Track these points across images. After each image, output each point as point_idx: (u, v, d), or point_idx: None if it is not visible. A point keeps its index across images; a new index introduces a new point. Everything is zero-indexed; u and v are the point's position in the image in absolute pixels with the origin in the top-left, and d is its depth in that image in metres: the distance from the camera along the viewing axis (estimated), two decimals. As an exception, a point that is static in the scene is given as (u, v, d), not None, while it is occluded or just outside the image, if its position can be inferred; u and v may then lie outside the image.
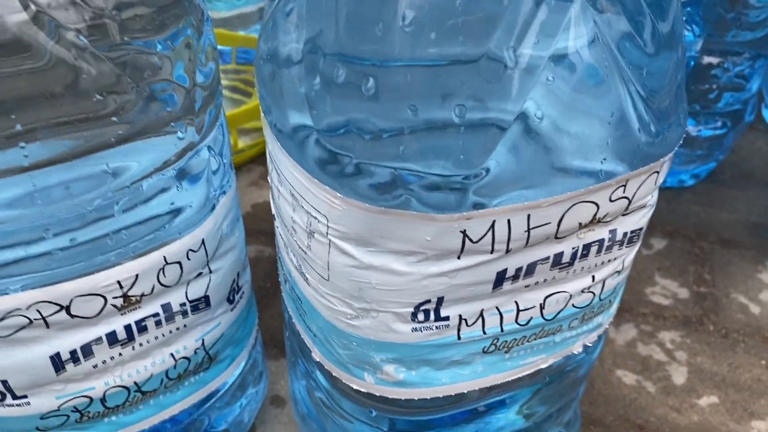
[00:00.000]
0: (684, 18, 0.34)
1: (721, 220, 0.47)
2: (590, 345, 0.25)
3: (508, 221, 0.19)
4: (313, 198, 0.19)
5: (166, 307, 0.24)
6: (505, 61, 0.16)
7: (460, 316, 0.21)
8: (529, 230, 0.19)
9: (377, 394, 0.23)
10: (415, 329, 0.21)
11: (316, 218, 0.20)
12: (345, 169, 0.18)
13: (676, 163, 0.48)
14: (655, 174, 0.20)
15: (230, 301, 0.27)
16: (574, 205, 0.19)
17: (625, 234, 0.22)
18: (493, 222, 0.19)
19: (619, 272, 0.23)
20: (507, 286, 0.21)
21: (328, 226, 0.19)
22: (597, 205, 0.20)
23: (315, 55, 0.18)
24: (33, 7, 0.17)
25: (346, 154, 0.18)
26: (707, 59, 0.43)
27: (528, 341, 0.23)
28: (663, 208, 0.48)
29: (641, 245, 0.44)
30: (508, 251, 0.19)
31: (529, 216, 0.19)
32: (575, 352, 0.25)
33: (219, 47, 0.58)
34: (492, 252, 0.19)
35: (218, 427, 0.31)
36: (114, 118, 0.19)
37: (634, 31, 0.17)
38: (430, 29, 0.16)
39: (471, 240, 0.19)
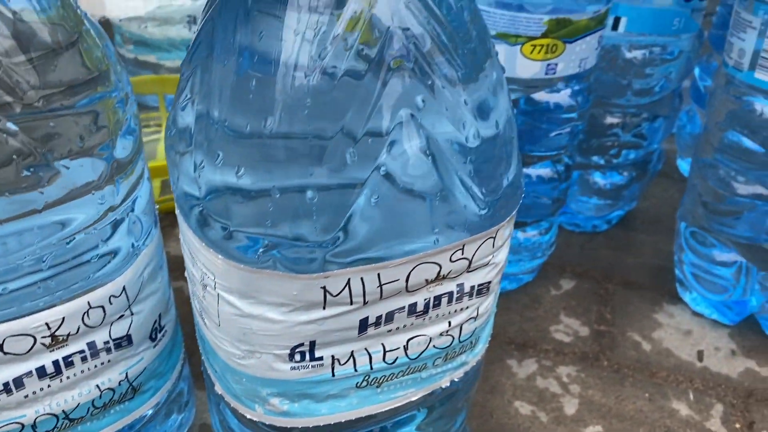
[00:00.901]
0: (570, 92, 0.39)
1: (627, 263, 0.52)
2: (457, 380, 0.29)
3: (362, 279, 0.23)
4: (202, 257, 0.23)
5: (91, 345, 0.28)
6: (346, 156, 0.21)
7: (332, 356, 0.25)
8: (381, 286, 0.23)
9: (267, 423, 0.27)
10: (294, 368, 0.25)
11: (206, 274, 0.24)
12: (223, 235, 0.22)
13: (587, 211, 0.52)
14: (491, 239, 0.25)
15: (152, 339, 0.31)
16: (418, 265, 0.23)
17: (472, 287, 0.26)
18: (349, 279, 0.23)
19: (474, 318, 0.27)
20: (371, 330, 0.25)
21: (215, 281, 0.24)
22: (439, 265, 0.24)
23: (200, 142, 0.22)
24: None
25: (224, 223, 0.22)
26: (609, 119, 0.48)
27: (396, 377, 0.27)
28: (575, 251, 0.53)
29: (551, 285, 0.49)
30: (365, 303, 0.24)
31: (379, 274, 0.23)
32: (443, 387, 0.29)
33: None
34: (351, 304, 0.23)
35: (146, 451, 0.34)
36: (41, 190, 0.23)
37: (457, 131, 0.22)
38: (289, 121, 0.20)
39: (331, 294, 0.23)
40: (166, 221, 0.44)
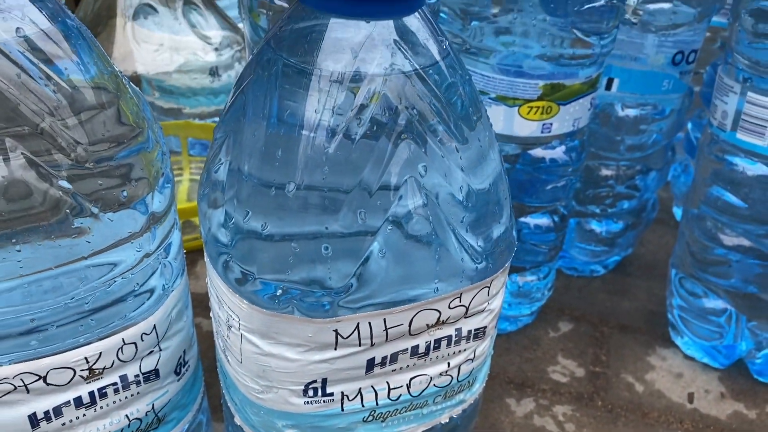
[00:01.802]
0: (565, 149, 0.42)
1: (622, 307, 0.54)
2: (456, 417, 0.31)
3: (370, 323, 0.26)
4: (228, 300, 0.26)
5: (123, 378, 0.31)
6: (355, 219, 0.24)
7: (342, 392, 0.28)
8: (386, 329, 0.26)
9: (282, 452, 0.29)
10: (307, 402, 0.28)
11: (231, 316, 0.27)
12: (248, 282, 0.25)
13: (584, 256, 0.55)
14: (486, 288, 0.27)
15: (177, 373, 0.34)
16: (419, 311, 0.26)
17: (469, 331, 0.29)
18: (358, 324, 0.26)
19: (471, 360, 0.30)
20: (377, 370, 0.28)
21: (239, 323, 0.26)
22: (439, 311, 0.27)
23: (231, 200, 0.25)
24: (32, 160, 0.25)
25: (249, 271, 0.25)
26: (603, 171, 0.51)
27: (400, 413, 0.29)
28: (573, 295, 0.55)
29: (550, 328, 0.51)
30: (372, 345, 0.26)
31: (385, 319, 0.26)
32: (443, 422, 0.31)
33: (199, 140, 0.67)
34: (360, 345, 0.26)
35: (166, 479, 0.37)
36: (87, 239, 0.27)
37: (454, 194, 0.25)
38: (308, 188, 0.24)
39: (342, 336, 0.26)
40: (187, 260, 0.47)
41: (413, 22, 0.24)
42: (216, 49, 0.60)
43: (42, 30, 0.26)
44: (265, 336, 0.26)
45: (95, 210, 0.27)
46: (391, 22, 0.24)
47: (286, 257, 0.24)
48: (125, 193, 0.28)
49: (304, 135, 0.24)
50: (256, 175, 0.25)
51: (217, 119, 0.66)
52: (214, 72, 0.62)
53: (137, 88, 0.31)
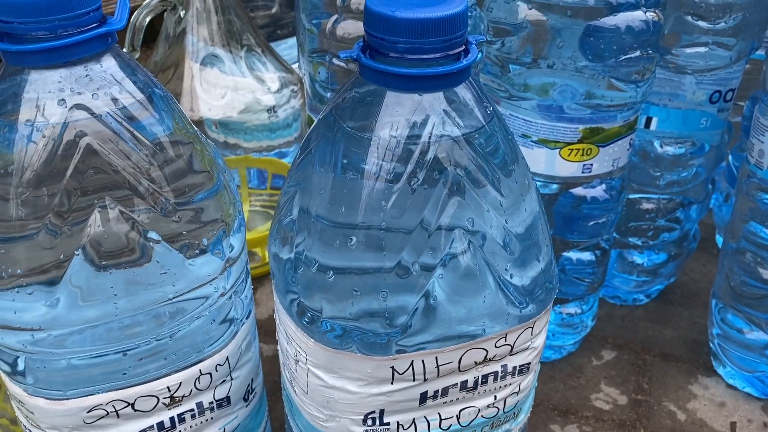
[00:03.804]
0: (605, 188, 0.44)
1: (665, 336, 0.56)
2: (502, 444, 0.34)
3: (423, 361, 0.29)
4: (297, 338, 0.30)
5: (199, 405, 0.34)
6: (410, 267, 0.27)
7: (398, 422, 0.31)
8: (438, 366, 0.29)
9: (342, 475, 0.32)
10: (366, 430, 0.31)
11: (299, 351, 0.30)
12: (316, 324, 0.28)
13: (627, 286, 0.57)
14: (530, 329, 0.30)
15: (245, 399, 0.37)
16: (468, 350, 0.29)
17: (514, 368, 0.31)
18: (412, 361, 0.28)
19: (517, 393, 0.32)
20: (430, 402, 0.30)
21: (306, 358, 0.30)
22: (486, 350, 0.29)
23: (300, 257, 0.28)
24: (126, 214, 0.28)
25: (318, 314, 0.28)
26: (644, 205, 0.52)
27: (450, 441, 0.32)
28: (617, 323, 0.57)
29: (593, 356, 0.53)
30: (425, 380, 0.29)
31: (436, 357, 0.29)
32: (489, 450, 0.34)
33: (257, 169, 0.71)
34: (414, 380, 0.29)
35: (233, 496, 0.40)
36: (173, 284, 0.30)
37: (497, 240, 0.28)
38: (365, 250, 0.27)
39: (398, 372, 0.29)
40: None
41: (461, 90, 0.27)
42: (275, 91, 0.64)
43: (137, 100, 0.29)
44: (329, 370, 0.29)
45: (179, 258, 0.30)
46: (441, 93, 0.27)
47: (349, 302, 0.27)
48: (205, 240, 0.31)
49: (364, 196, 0.27)
50: (323, 227, 0.28)
51: (272, 154, 0.69)
52: (271, 110, 0.66)
53: (211, 142, 0.35)
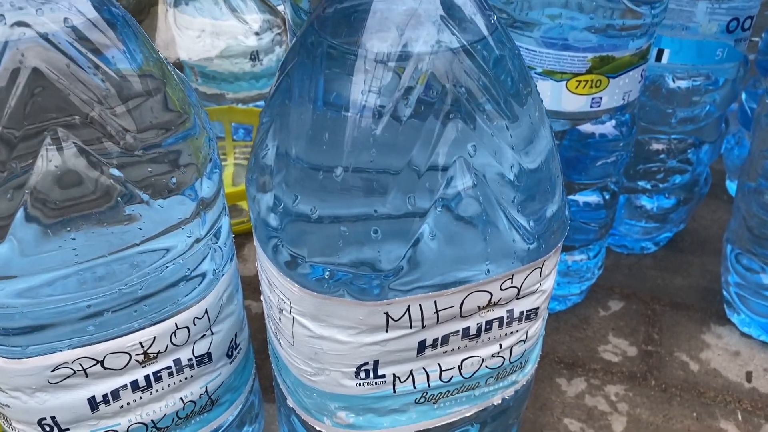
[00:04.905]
0: (614, 123, 0.41)
1: (675, 284, 0.53)
2: (508, 398, 0.31)
3: (420, 305, 0.25)
4: (279, 284, 0.26)
5: (177, 362, 0.31)
6: (405, 201, 0.23)
7: (393, 374, 0.28)
8: (437, 312, 0.26)
9: (335, 434, 0.30)
10: (359, 384, 0.28)
11: (283, 300, 0.27)
12: (300, 267, 0.25)
13: (635, 234, 0.54)
14: (538, 269, 0.27)
15: (229, 356, 0.34)
16: (470, 293, 0.26)
17: (521, 312, 0.28)
18: (409, 306, 0.25)
19: (524, 341, 0.29)
20: (429, 352, 0.27)
21: (291, 306, 0.27)
22: (490, 293, 0.26)
23: (280, 186, 0.25)
24: (84, 149, 0.25)
25: (301, 256, 0.25)
26: (654, 145, 0.49)
27: (452, 395, 0.29)
28: (624, 272, 0.54)
29: (600, 307, 0.50)
30: (423, 327, 0.26)
31: (435, 302, 0.26)
32: (495, 403, 0.31)
33: (243, 124, 0.67)
34: (411, 327, 0.26)
35: (221, 458, 0.37)
36: (139, 227, 0.27)
37: (504, 173, 0.24)
38: (356, 172, 0.23)
39: (393, 319, 0.26)
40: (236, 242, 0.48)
41: (459, -4, 0.24)
42: (256, 33, 0.60)
43: (89, 19, 0.26)
44: (316, 319, 0.26)
45: (145, 197, 0.27)
46: (437, -3, 0.23)
47: (336, 240, 0.24)
48: (174, 180, 0.28)
49: (351, 117, 0.23)
50: (303, 158, 0.24)
51: (259, 103, 0.66)
52: (254, 56, 0.62)
53: (182, 74, 0.31)
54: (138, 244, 0.27)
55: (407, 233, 0.24)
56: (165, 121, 0.28)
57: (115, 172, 0.26)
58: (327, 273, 0.25)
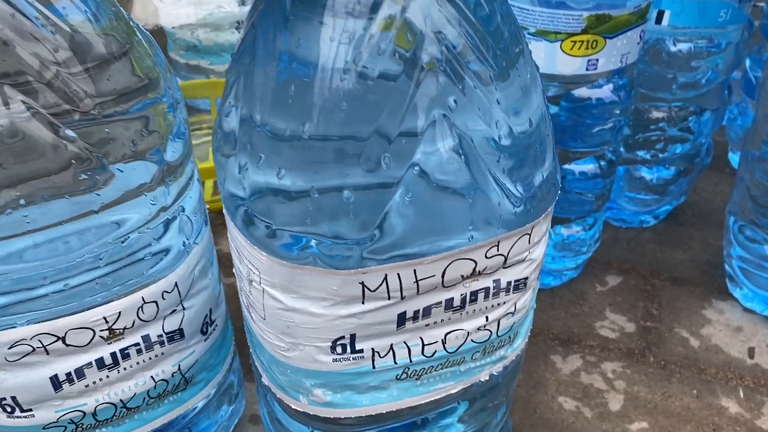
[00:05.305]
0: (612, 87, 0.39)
1: (675, 258, 0.51)
2: (497, 374, 0.29)
3: (398, 275, 0.24)
4: (248, 254, 0.25)
5: (146, 338, 0.30)
6: (380, 157, 0.21)
7: (372, 349, 0.26)
8: (417, 281, 0.24)
9: (311, 413, 0.28)
10: (336, 360, 0.26)
11: (252, 270, 0.25)
12: (267, 234, 0.23)
13: (633, 206, 0.52)
14: (527, 235, 0.25)
15: (203, 332, 0.33)
16: (453, 261, 0.24)
17: (509, 283, 0.26)
18: (386, 275, 0.23)
19: (512, 313, 0.27)
20: (409, 324, 0.26)
21: (260, 277, 0.25)
22: (475, 261, 0.24)
23: (243, 144, 0.23)
24: (33, 108, 0.23)
25: (268, 222, 0.23)
26: (654, 113, 0.47)
27: (436, 370, 0.27)
28: (622, 246, 0.52)
29: (597, 282, 0.48)
30: (403, 298, 0.24)
31: (415, 270, 0.24)
32: (482, 380, 0.29)
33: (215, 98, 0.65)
34: (389, 299, 0.24)
35: (198, 440, 0.36)
36: (97, 192, 0.25)
37: (490, 129, 0.22)
38: (327, 124, 0.21)
39: (369, 289, 0.24)
40: (219, 220, 0.46)
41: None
42: (241, 1, 0.57)
43: (39, -33, 0.24)
44: (287, 290, 0.24)
45: (104, 161, 0.25)
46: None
47: (305, 205, 0.22)
48: (135, 144, 0.26)
49: (318, 73, 0.21)
50: (268, 117, 0.22)
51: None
52: (240, 26, 0.59)
53: (152, 38, 0.29)
54: (96, 212, 0.25)
55: (382, 196, 0.22)
56: (128, 86, 0.26)
57: (70, 133, 0.24)
58: (297, 241, 0.23)
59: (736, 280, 0.46)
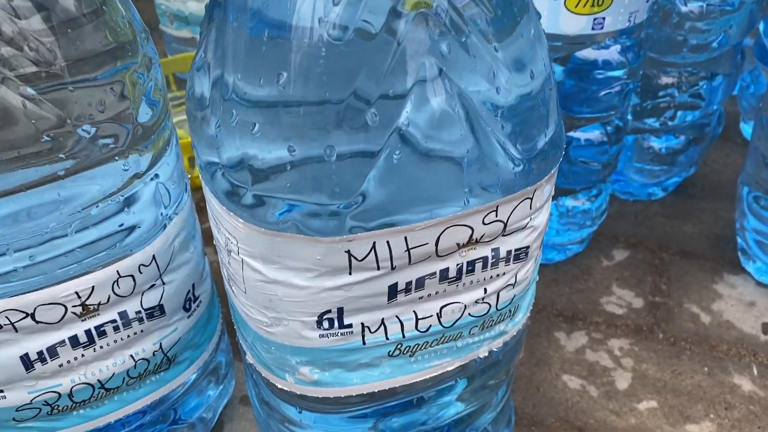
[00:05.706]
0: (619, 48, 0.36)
1: (684, 232, 0.49)
2: (497, 350, 0.27)
3: (388, 242, 0.22)
4: (225, 222, 0.23)
5: (123, 315, 0.28)
6: (364, 109, 0.19)
7: (362, 323, 0.24)
8: (408, 250, 0.22)
9: (298, 393, 0.26)
10: (322, 335, 0.24)
11: (230, 239, 0.23)
12: (243, 199, 0.21)
13: (641, 178, 0.50)
14: (528, 200, 0.23)
15: (186, 309, 0.31)
16: (447, 228, 0.22)
17: (509, 252, 0.24)
18: (374, 243, 0.22)
19: (512, 285, 0.26)
20: (401, 297, 0.24)
21: (238, 246, 0.23)
22: (471, 227, 0.22)
23: (216, 104, 0.21)
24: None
25: (243, 186, 0.21)
26: (663, 79, 0.45)
27: (431, 346, 0.26)
28: (629, 220, 0.50)
29: (603, 256, 0.46)
30: (393, 268, 0.22)
31: (406, 238, 0.22)
32: (481, 356, 0.27)
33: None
34: (378, 269, 0.22)
35: (186, 420, 0.34)
36: (61, 155, 0.23)
37: (490, 85, 0.20)
38: (304, 83, 0.19)
39: (356, 259, 0.22)
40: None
41: None
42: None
43: None
44: (267, 260, 0.22)
45: (69, 123, 0.23)
46: None
47: (282, 164, 0.20)
48: (104, 107, 0.24)
49: (293, 27, 0.19)
50: (240, 79, 0.20)
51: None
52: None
53: (131, 2, 0.27)
54: (62, 177, 0.23)
55: (368, 155, 0.20)
56: (98, 48, 0.24)
57: (30, 91, 0.22)
58: (275, 205, 0.21)
59: (749, 253, 0.44)
